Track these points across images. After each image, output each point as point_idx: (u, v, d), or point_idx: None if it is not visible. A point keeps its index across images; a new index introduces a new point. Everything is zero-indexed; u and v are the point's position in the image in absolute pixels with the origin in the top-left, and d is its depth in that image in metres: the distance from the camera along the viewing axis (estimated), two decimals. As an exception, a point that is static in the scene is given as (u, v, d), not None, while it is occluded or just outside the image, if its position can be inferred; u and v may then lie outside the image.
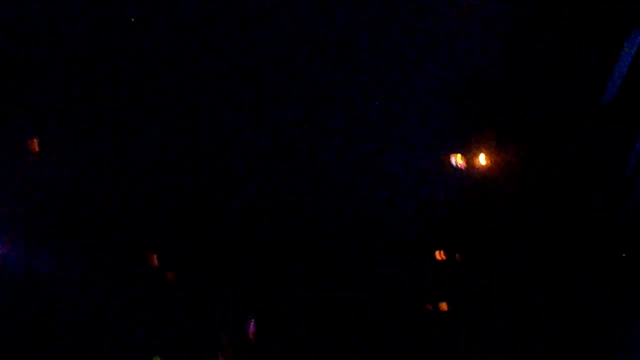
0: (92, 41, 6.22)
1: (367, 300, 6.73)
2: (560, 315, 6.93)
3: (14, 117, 6.17)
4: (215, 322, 6.46)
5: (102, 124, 6.60)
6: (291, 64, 6.28)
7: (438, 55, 6.25)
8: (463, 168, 6.28)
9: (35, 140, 6.19)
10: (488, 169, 6.38)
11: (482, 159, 6.31)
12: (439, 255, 7.08)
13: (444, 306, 7.37)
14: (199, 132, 6.81)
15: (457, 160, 6.22)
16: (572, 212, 7.43)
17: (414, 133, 6.29)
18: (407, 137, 6.35)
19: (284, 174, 6.93)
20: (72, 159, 6.46)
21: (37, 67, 6.19)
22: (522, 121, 6.29)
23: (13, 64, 6.12)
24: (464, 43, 6.19)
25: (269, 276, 5.96)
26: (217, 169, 7.26)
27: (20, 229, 6.59)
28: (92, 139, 6.55)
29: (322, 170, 6.63)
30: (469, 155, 6.34)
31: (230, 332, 3.34)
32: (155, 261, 7.30)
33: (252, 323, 3.24)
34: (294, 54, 6.22)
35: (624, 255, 6.89)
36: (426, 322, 6.59)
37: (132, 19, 6.11)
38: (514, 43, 6.28)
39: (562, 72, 6.19)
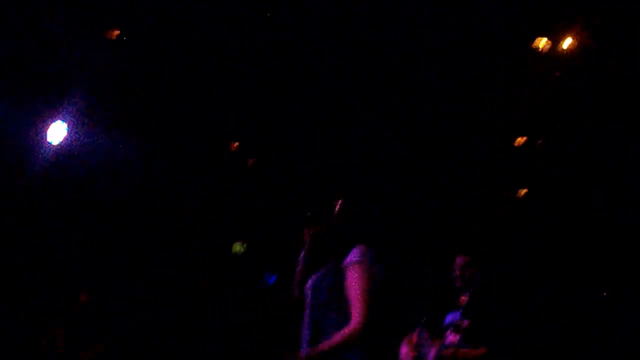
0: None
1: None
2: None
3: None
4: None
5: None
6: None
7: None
8: (548, 51, 6.04)
9: (114, 31, 6.25)
10: (572, 52, 6.12)
11: (567, 43, 6.06)
12: (520, 140, 7.04)
13: (522, 193, 7.39)
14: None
15: (543, 44, 5.99)
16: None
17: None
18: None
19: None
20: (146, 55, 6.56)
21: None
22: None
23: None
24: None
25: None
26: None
27: (86, 116, 6.82)
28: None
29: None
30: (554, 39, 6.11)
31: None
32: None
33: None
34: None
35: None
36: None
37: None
38: None
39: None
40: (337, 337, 3.14)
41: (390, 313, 3.20)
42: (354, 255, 3.17)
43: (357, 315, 3.11)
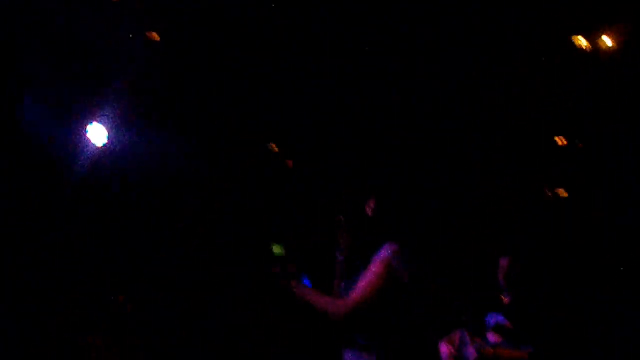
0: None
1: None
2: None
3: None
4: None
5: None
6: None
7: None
8: (587, 49, 5.94)
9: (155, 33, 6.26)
10: (612, 50, 6.02)
11: (606, 40, 5.96)
12: (560, 141, 7.01)
13: (562, 192, 7.39)
14: None
15: (580, 42, 5.90)
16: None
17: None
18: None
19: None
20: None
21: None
22: None
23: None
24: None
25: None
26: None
27: (125, 122, 6.89)
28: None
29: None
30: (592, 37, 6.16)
31: None
32: None
33: None
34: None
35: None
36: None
37: None
38: None
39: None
40: (323, 301, 3.11)
41: (411, 314, 3.15)
42: (382, 251, 3.12)
43: (349, 300, 3.05)
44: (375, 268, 3.07)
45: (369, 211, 3.30)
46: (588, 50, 5.97)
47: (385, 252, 3.11)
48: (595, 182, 7.28)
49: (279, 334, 7.32)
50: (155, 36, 6.21)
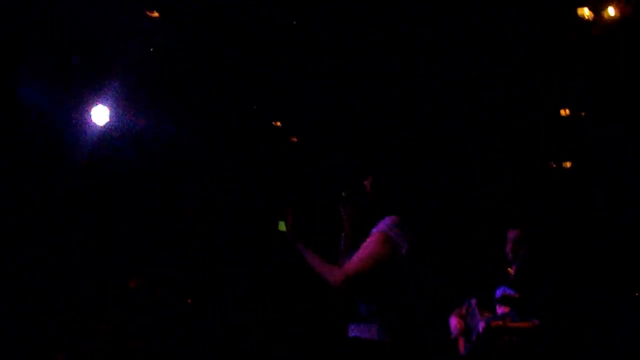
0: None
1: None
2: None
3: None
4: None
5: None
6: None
7: None
8: (591, 19, 5.89)
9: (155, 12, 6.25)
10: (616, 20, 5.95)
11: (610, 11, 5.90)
12: (564, 112, 6.98)
13: (567, 164, 7.37)
14: None
15: (585, 12, 5.85)
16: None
17: None
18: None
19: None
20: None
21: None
22: None
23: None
24: None
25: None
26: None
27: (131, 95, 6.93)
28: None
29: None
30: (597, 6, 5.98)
31: None
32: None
33: None
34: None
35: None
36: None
37: None
38: None
39: None
40: (325, 268, 3.11)
41: (409, 285, 3.14)
42: (382, 223, 3.13)
43: (347, 268, 3.05)
44: (374, 239, 3.08)
45: (368, 187, 3.33)
46: (590, 19, 5.92)
47: (384, 224, 3.12)
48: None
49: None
50: (155, 14, 6.19)
